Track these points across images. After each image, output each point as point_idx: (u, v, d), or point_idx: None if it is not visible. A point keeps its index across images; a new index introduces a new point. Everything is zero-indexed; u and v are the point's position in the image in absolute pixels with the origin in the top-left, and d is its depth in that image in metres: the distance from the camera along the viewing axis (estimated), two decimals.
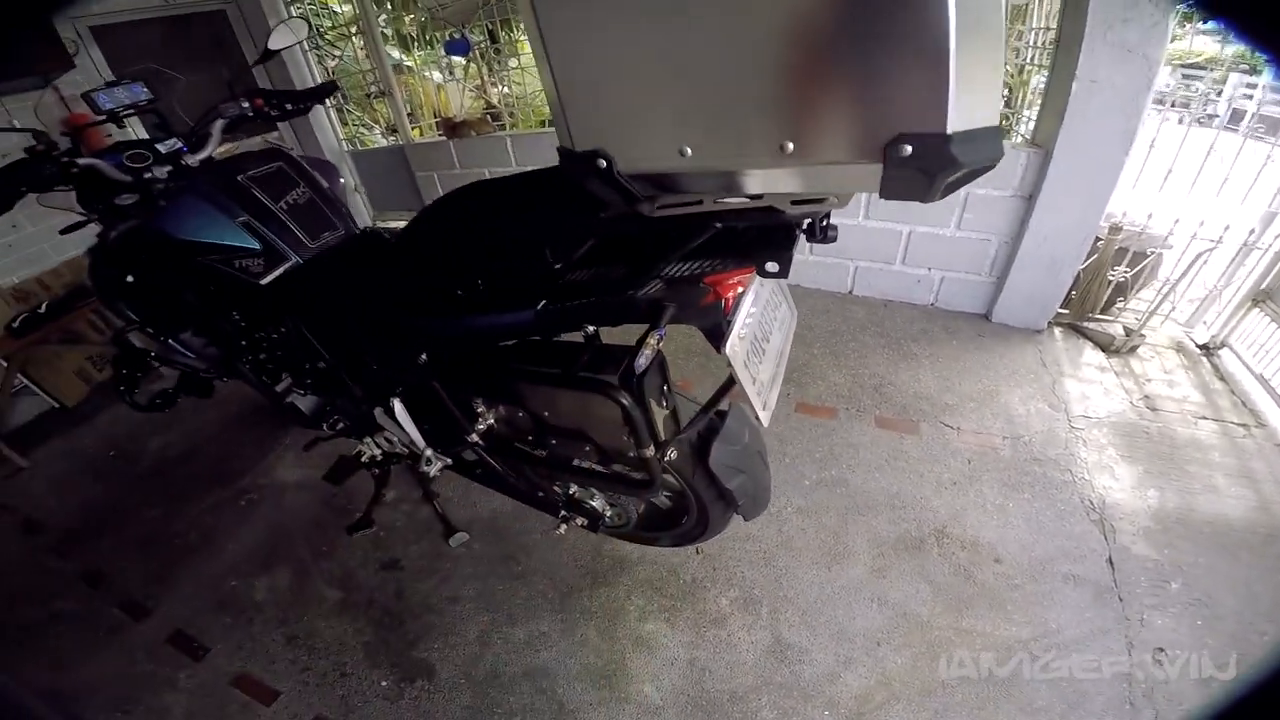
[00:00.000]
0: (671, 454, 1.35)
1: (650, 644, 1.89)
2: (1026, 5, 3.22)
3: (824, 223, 1.01)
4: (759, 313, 1.22)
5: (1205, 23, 2.49)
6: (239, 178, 1.79)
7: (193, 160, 1.89)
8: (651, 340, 1.12)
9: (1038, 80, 3.20)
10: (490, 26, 4.29)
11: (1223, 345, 2.98)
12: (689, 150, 0.73)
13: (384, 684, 1.87)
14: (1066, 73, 2.61)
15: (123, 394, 2.33)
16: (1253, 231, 2.83)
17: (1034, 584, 1.97)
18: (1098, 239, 3.00)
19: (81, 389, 3.41)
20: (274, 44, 2.07)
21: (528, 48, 4.38)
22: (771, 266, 1.01)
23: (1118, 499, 2.24)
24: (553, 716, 1.75)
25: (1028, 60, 3.23)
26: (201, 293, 1.84)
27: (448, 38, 4.32)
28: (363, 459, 2.05)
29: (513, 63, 4.46)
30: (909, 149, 0.60)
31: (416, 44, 5.10)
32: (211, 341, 2.05)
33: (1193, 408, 2.67)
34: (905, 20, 0.56)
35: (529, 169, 1.18)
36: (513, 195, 1.22)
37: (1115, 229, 3.02)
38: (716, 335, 1.11)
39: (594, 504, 1.73)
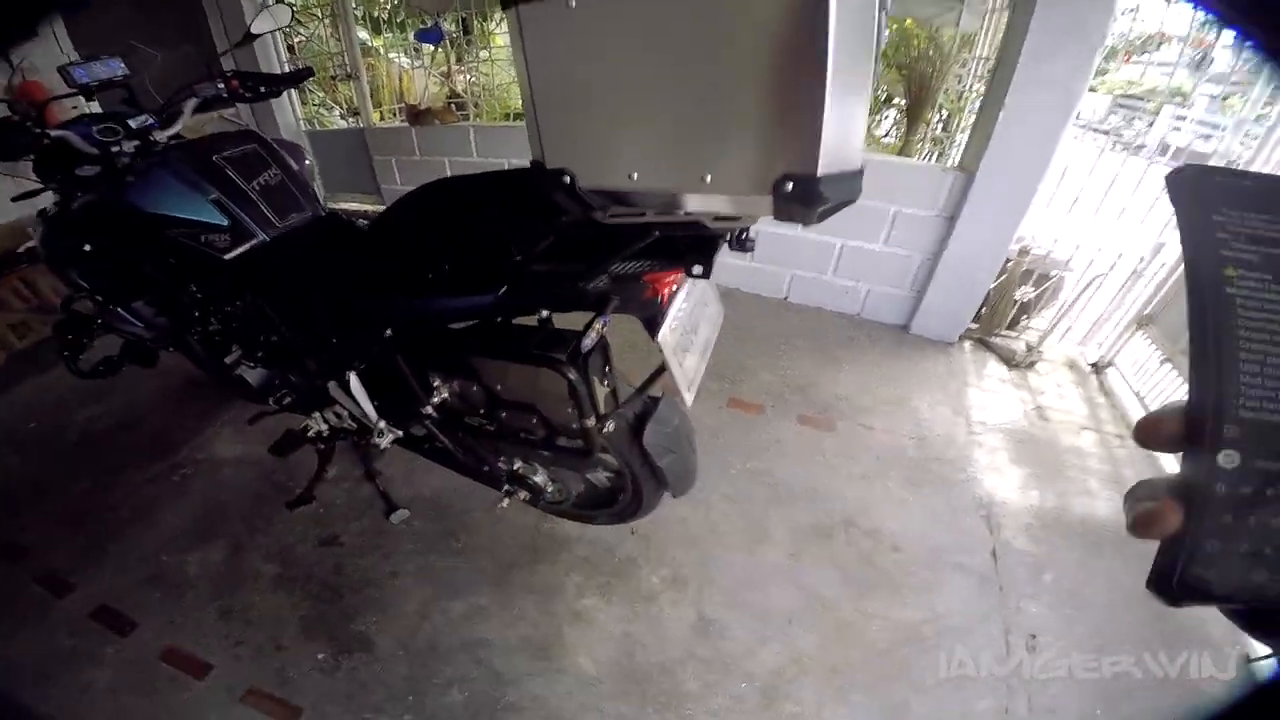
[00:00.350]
0: (609, 426, 1.51)
1: (586, 618, 2.00)
2: (974, 35, 3.46)
3: (742, 235, 1.25)
4: (689, 308, 1.41)
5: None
6: (214, 157, 1.84)
7: (161, 137, 1.91)
8: (597, 325, 1.33)
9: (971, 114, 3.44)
10: (464, 16, 4.31)
11: (1110, 364, 3.29)
12: (636, 175, 0.91)
13: (320, 656, 1.91)
14: (996, 102, 2.83)
15: (67, 360, 2.32)
16: (1142, 259, 3.13)
17: (928, 571, 2.18)
18: (1008, 260, 3.27)
19: None
20: (256, 28, 2.09)
21: (500, 40, 4.44)
22: (697, 269, 1.22)
23: (1004, 498, 2.49)
24: (490, 685, 1.83)
25: (967, 88, 3.46)
26: (160, 264, 1.87)
27: (421, 25, 4.33)
28: (309, 434, 2.08)
29: (483, 54, 4.49)
30: (790, 185, 0.80)
31: (386, 27, 5.07)
32: (162, 312, 2.08)
33: (1078, 419, 2.96)
34: (792, 86, 0.75)
35: (498, 169, 1.38)
36: (483, 192, 1.43)
37: (1024, 251, 3.29)
38: (652, 324, 1.30)
39: (536, 479, 1.84)
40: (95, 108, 2.05)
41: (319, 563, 2.18)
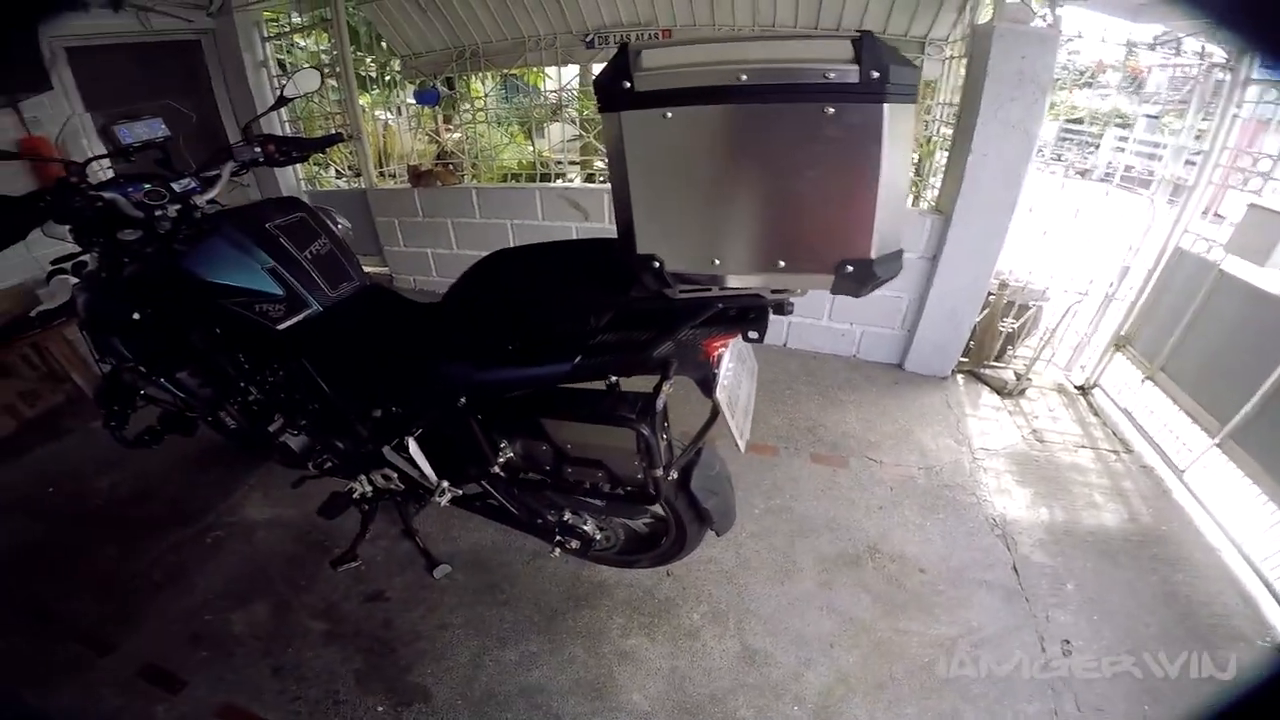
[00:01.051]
0: (673, 474, 1.62)
1: (633, 657, 2.07)
2: (936, 81, 3.72)
3: (788, 303, 1.39)
4: (735, 366, 1.53)
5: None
6: (267, 225, 1.88)
7: (201, 201, 1.94)
8: (665, 387, 1.43)
9: (941, 155, 3.68)
10: (450, 77, 4.43)
11: (1095, 386, 3.48)
12: (718, 261, 1.07)
13: (380, 709, 1.93)
14: (964, 146, 3.05)
15: (112, 430, 2.29)
16: (1111, 284, 3.34)
17: (954, 589, 2.29)
18: (989, 294, 3.48)
19: (9, 425, 3.24)
20: (289, 92, 2.20)
21: (489, 102, 4.56)
22: (753, 334, 1.40)
23: (1015, 516, 2.64)
24: None
25: (934, 133, 3.70)
26: (208, 334, 1.91)
27: (419, 86, 4.43)
28: (355, 495, 2.11)
29: (476, 114, 4.62)
30: (850, 268, 1.01)
31: (375, 85, 5.17)
32: (206, 382, 2.10)
33: (1073, 439, 3.15)
34: (851, 187, 0.95)
35: (558, 240, 1.61)
36: (551, 264, 1.63)
37: (1003, 285, 3.51)
38: (707, 384, 1.42)
39: (586, 528, 1.93)
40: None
41: (367, 618, 2.21)
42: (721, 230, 1.04)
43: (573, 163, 4.80)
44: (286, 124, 4.66)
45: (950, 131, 3.39)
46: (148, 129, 1.95)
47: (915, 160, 4.45)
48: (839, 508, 2.67)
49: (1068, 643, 2.10)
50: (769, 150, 0.96)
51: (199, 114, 3.73)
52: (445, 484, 1.87)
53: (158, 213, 1.82)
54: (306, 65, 2.15)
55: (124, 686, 1.99)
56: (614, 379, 1.65)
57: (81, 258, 1.98)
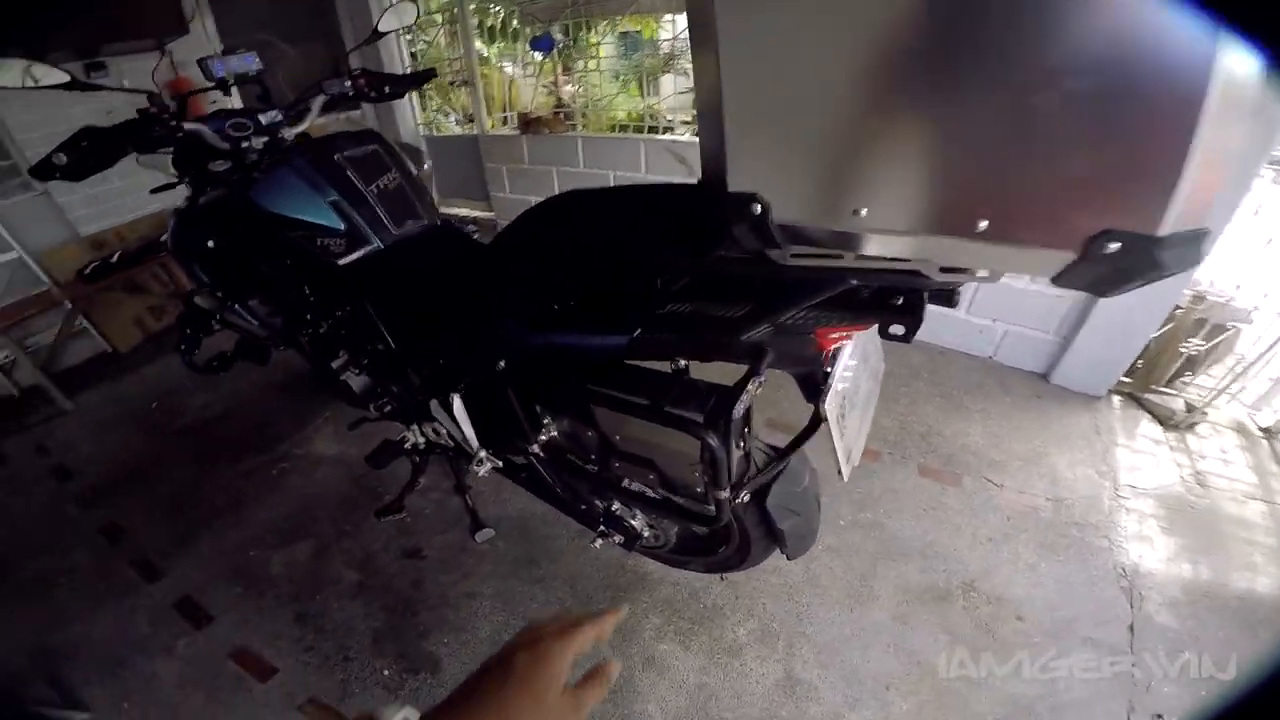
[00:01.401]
0: (745, 497, 1.31)
1: (661, 664, 1.86)
2: None
3: (958, 290, 0.95)
4: (857, 367, 1.15)
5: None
6: (335, 156, 1.81)
7: (289, 134, 1.94)
8: (751, 387, 1.07)
9: None
10: (569, 25, 4.29)
11: None
12: (864, 212, 0.66)
13: (386, 673, 1.87)
14: None
15: (183, 353, 2.37)
16: None
17: (1052, 643, 1.90)
18: (1177, 307, 2.89)
19: (136, 336, 3.57)
20: (384, 26, 2.09)
21: (604, 51, 4.42)
22: (897, 329, 0.98)
23: (1151, 568, 2.16)
24: None
25: None
26: (277, 265, 1.86)
27: (534, 34, 4.33)
28: (406, 445, 2.04)
29: (590, 64, 4.46)
30: (1115, 246, 0.56)
31: (499, 36, 5.12)
32: (276, 311, 2.09)
33: (1245, 488, 2.55)
34: (1149, 108, 0.51)
35: (639, 184, 1.16)
36: (624, 211, 1.15)
37: (1198, 298, 2.90)
38: (813, 387, 1.08)
39: (634, 522, 1.69)
40: (237, 101, 2.10)
41: (399, 574, 2.14)
42: (875, 163, 0.65)
43: (684, 123, 4.54)
44: (409, 71, 4.70)
45: None
46: (241, 63, 1.94)
47: None
48: (940, 532, 2.29)
49: (1159, 717, 1.72)
50: (973, 31, 0.54)
51: (328, 51, 3.85)
52: (484, 452, 1.70)
53: (244, 144, 1.83)
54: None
55: (158, 615, 2.09)
56: (683, 363, 1.32)
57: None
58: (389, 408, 1.99)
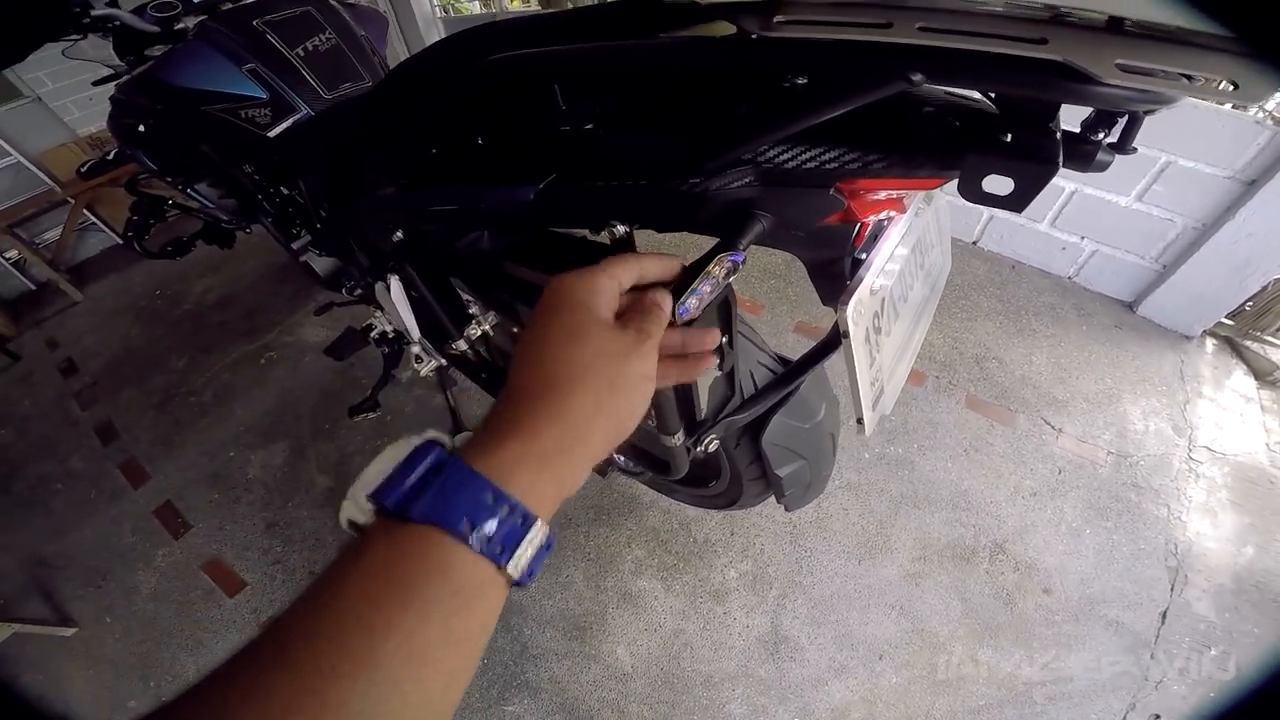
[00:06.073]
0: (711, 445, 0.98)
1: (638, 602, 1.70)
2: None
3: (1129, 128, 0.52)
4: (906, 256, 0.78)
5: None
6: (255, 21, 1.61)
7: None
8: (717, 269, 0.57)
9: None
10: None
11: None
12: None
13: None
14: None
15: (131, 240, 2.28)
16: None
17: (1072, 624, 1.68)
18: None
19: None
20: None
21: None
22: (998, 183, 0.51)
23: (1207, 548, 1.87)
24: (511, 658, 1.61)
25: None
26: (214, 143, 1.71)
27: None
28: (371, 334, 1.88)
29: None
30: None
31: None
32: (228, 194, 1.96)
33: None
34: None
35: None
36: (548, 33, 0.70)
37: None
38: (834, 281, 0.71)
39: None
40: None
41: None
42: None
43: None
44: None
45: None
46: None
47: None
48: (978, 479, 2.01)
49: (1157, 717, 1.52)
50: None
51: None
52: (421, 346, 1.51)
53: (177, 25, 1.70)
54: None
55: (140, 524, 2.18)
56: (622, 228, 0.75)
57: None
58: (359, 290, 1.84)
